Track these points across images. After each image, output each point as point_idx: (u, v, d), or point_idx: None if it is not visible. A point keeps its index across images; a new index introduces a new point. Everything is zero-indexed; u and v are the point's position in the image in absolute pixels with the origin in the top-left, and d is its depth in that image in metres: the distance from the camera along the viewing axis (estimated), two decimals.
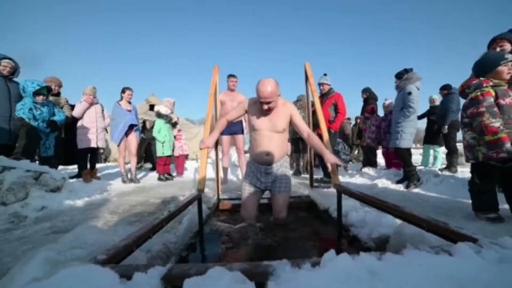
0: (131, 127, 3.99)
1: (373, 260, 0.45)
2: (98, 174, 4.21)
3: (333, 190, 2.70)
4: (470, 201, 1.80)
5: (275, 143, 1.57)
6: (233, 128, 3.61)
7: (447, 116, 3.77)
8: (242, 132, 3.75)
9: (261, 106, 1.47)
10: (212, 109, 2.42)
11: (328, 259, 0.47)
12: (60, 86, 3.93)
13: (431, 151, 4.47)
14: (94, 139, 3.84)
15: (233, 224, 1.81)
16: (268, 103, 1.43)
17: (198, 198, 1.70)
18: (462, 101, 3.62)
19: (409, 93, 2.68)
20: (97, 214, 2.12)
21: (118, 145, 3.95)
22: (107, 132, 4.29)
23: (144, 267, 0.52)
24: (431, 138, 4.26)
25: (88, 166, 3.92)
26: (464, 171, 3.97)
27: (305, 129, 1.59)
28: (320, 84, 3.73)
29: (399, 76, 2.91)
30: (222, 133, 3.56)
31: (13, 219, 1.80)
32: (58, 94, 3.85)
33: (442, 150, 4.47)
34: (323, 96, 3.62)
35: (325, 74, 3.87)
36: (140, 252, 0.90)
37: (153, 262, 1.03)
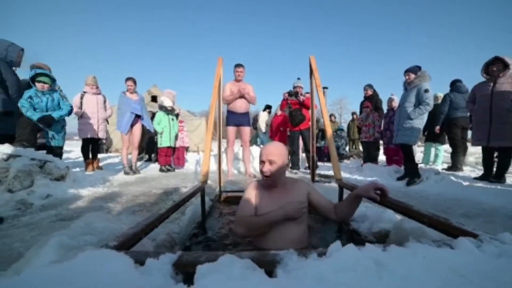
0: (137, 117, 3.97)
1: (378, 251, 0.46)
2: (100, 164, 4.25)
3: (333, 185, 2.73)
4: (469, 200, 1.82)
5: (290, 237, 1.07)
6: (239, 119, 3.60)
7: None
8: (249, 124, 3.73)
9: (261, 173, 1.11)
10: (216, 102, 2.41)
11: (334, 249, 0.49)
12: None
13: (433, 149, 4.48)
14: (95, 130, 3.86)
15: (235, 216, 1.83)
16: (270, 162, 1.08)
17: (201, 190, 1.72)
18: (459, 100, 3.68)
19: (427, 91, 2.67)
20: (101, 203, 2.15)
21: (126, 134, 3.93)
22: (108, 123, 4.30)
23: (156, 254, 0.54)
24: (433, 136, 4.26)
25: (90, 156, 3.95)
26: (473, 169, 3.96)
27: (331, 205, 1.17)
28: (295, 87, 4.28)
29: (412, 71, 2.86)
30: (228, 124, 3.57)
31: (20, 206, 1.84)
32: None
33: (444, 148, 4.47)
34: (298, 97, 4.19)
35: (298, 78, 4.42)
36: (147, 240, 0.93)
37: (159, 250, 1.06)
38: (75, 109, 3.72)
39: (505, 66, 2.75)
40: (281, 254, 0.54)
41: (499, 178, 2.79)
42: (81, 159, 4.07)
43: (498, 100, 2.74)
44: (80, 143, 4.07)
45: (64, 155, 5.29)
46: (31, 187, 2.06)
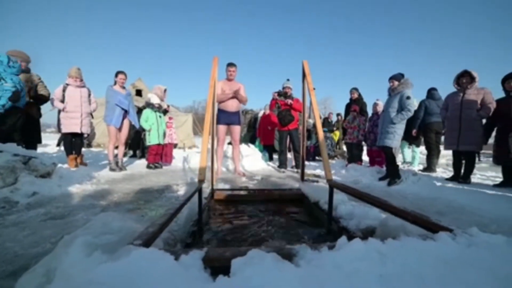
0: (124, 112, 3.83)
1: (379, 244, 0.56)
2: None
3: (322, 184, 2.88)
4: (441, 198, 2.05)
5: None
6: (230, 118, 3.61)
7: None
8: (239, 123, 3.76)
9: None
10: (211, 101, 2.43)
11: (342, 243, 0.58)
12: (27, 62, 3.47)
13: (409, 150, 4.85)
14: (78, 124, 3.69)
15: (229, 213, 1.91)
16: None
17: (199, 188, 1.77)
18: (433, 106, 4.05)
19: (408, 98, 2.89)
20: (92, 201, 2.10)
21: (119, 127, 3.77)
22: (92, 117, 4.12)
23: (185, 251, 0.59)
24: (410, 138, 4.61)
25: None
26: (444, 170, 4.34)
27: None
28: (284, 88, 4.40)
29: (396, 78, 3.07)
30: (219, 122, 3.56)
31: (3, 204, 1.75)
32: (28, 71, 3.43)
33: (420, 150, 4.86)
34: (287, 99, 4.31)
35: (288, 79, 4.53)
36: (159, 239, 0.96)
37: (165, 247, 1.10)
38: (56, 103, 3.53)
39: (472, 78, 3.07)
40: (296, 248, 0.62)
41: (465, 179, 3.13)
42: (60, 154, 3.87)
43: (466, 109, 3.06)
44: (55, 135, 3.87)
45: (40, 149, 4.98)
46: (15, 184, 1.96)
